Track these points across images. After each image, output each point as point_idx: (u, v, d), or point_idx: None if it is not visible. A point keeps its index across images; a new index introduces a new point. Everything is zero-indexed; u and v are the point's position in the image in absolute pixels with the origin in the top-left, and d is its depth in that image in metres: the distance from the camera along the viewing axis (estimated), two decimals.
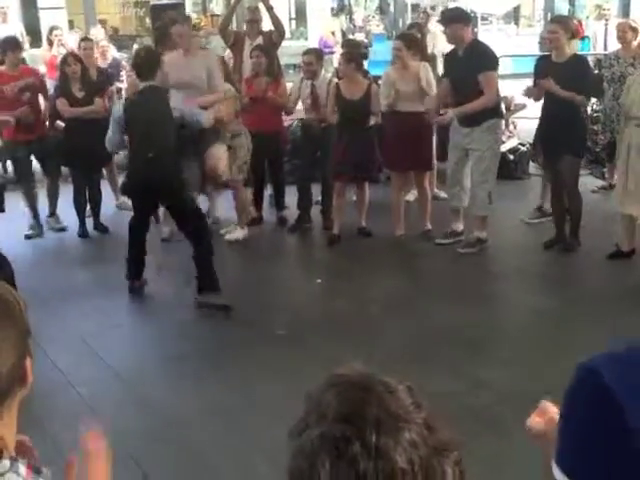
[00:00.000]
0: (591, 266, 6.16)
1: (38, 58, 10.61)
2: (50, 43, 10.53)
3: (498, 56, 6.63)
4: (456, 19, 6.28)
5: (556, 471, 1.08)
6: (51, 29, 10.99)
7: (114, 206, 8.12)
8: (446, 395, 4.09)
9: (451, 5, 14.61)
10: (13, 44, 7.35)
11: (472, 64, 6.10)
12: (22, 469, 1.20)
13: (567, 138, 6.05)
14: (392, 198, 6.88)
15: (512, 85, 10.01)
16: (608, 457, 1.01)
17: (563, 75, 6.00)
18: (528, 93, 6.54)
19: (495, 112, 6.37)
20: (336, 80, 7.10)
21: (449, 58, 6.59)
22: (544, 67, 6.27)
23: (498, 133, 6.46)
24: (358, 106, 6.64)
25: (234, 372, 4.48)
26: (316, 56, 7.14)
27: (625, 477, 1.01)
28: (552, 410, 1.40)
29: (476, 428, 3.72)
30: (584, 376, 1.06)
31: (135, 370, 4.59)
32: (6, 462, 1.19)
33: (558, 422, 1.12)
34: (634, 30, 7.61)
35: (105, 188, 7.94)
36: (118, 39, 15.60)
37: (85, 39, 8.53)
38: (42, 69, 9.30)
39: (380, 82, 6.93)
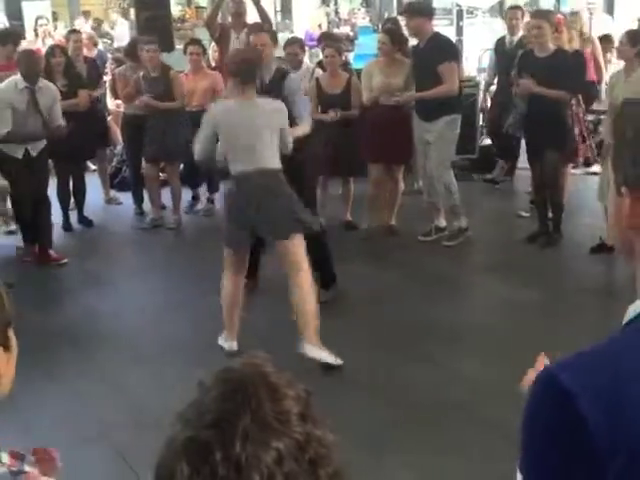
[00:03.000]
0: (573, 259, 6.19)
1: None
2: (36, 33, 10.45)
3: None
4: (422, 12, 6.37)
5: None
6: (37, 19, 10.91)
7: (101, 200, 8.09)
8: (424, 387, 4.13)
9: None
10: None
11: (433, 56, 6.16)
12: (4, 457, 1.17)
13: (550, 133, 6.07)
14: (369, 190, 6.81)
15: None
16: (566, 462, 0.97)
17: (545, 70, 6.01)
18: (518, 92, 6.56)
19: (455, 108, 6.37)
20: (319, 71, 7.09)
21: (412, 52, 6.61)
22: (526, 62, 6.28)
23: (456, 129, 6.40)
24: (339, 100, 6.63)
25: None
26: (300, 46, 7.14)
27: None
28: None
29: (454, 419, 3.74)
30: (544, 382, 1.01)
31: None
32: None
33: (521, 434, 1.05)
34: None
35: (94, 182, 7.93)
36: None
37: (74, 31, 8.45)
38: None
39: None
